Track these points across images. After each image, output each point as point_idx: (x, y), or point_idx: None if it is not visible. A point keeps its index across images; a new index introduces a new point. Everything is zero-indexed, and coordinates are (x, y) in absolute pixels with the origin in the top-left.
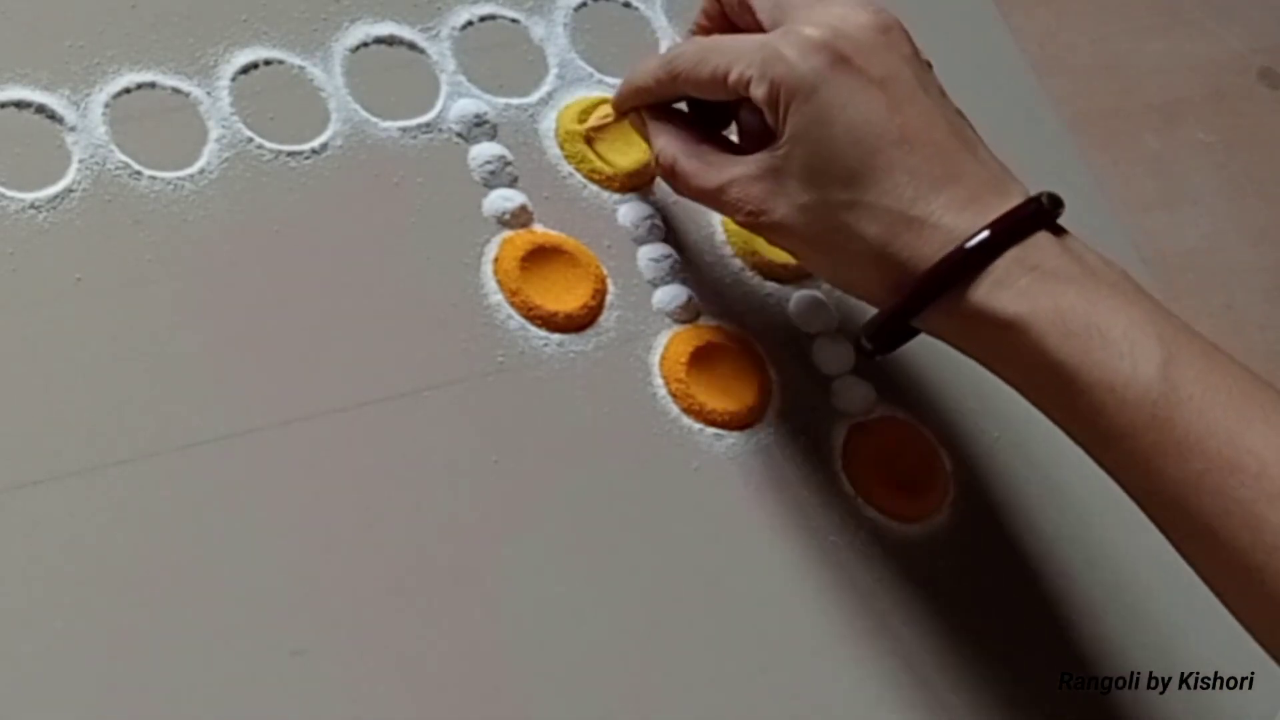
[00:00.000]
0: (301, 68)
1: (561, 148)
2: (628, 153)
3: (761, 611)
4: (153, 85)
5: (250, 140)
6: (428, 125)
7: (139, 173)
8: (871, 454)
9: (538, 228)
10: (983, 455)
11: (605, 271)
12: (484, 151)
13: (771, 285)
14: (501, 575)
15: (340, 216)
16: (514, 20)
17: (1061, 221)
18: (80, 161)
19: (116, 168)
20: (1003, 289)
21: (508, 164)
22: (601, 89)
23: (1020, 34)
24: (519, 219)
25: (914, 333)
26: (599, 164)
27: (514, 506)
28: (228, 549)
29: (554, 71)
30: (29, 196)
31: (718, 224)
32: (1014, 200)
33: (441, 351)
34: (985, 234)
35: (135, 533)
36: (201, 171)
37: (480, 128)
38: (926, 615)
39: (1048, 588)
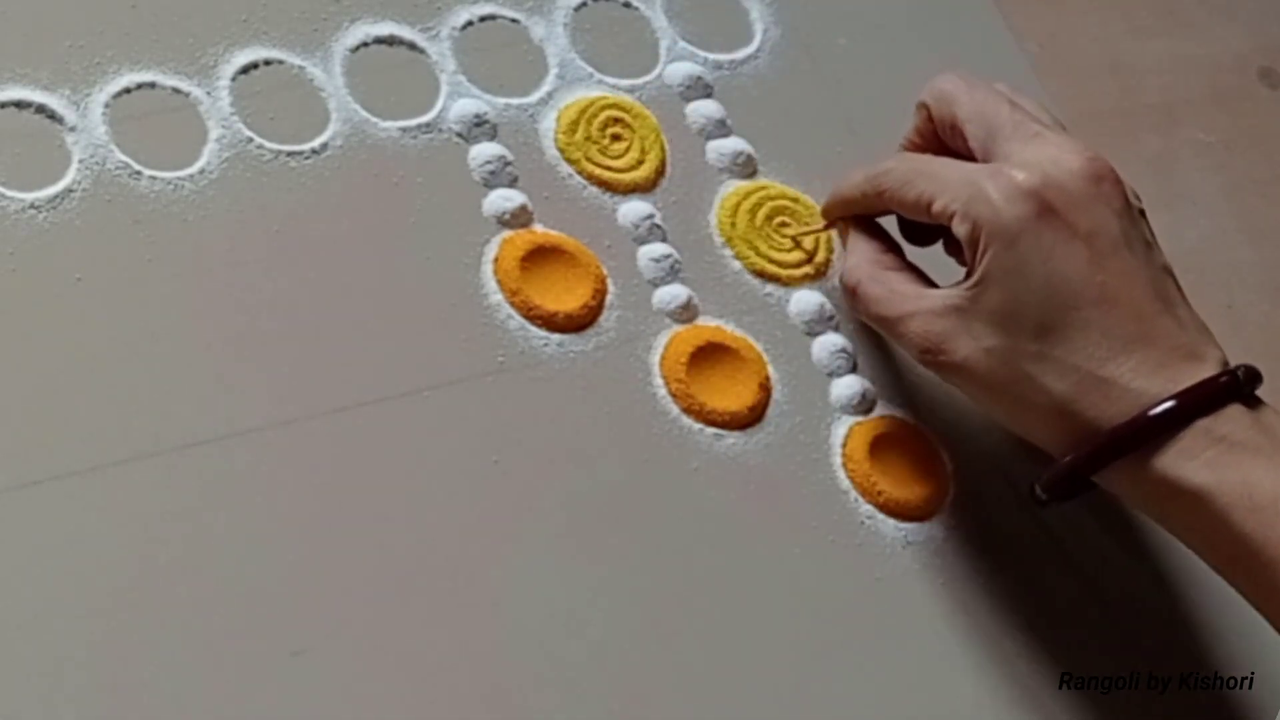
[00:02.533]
0: (301, 68)
1: (561, 149)
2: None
3: (761, 611)
4: (153, 85)
5: (250, 140)
6: (428, 125)
7: (139, 173)
8: (871, 454)
9: (538, 228)
10: (983, 455)
11: (605, 271)
12: (484, 151)
13: (771, 285)
14: (501, 575)
15: (340, 216)
16: (514, 20)
17: None
18: (80, 161)
19: (116, 168)
20: (1188, 459)
21: (508, 164)
22: (601, 89)
23: (1020, 34)
24: (519, 219)
25: (1091, 485)
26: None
27: (514, 506)
28: (228, 549)
29: (554, 71)
30: (29, 196)
31: (717, 224)
32: (1208, 368)
33: (441, 351)
34: (1173, 403)
35: (135, 533)
36: (201, 171)
37: (480, 128)
38: (926, 615)
39: (1047, 587)
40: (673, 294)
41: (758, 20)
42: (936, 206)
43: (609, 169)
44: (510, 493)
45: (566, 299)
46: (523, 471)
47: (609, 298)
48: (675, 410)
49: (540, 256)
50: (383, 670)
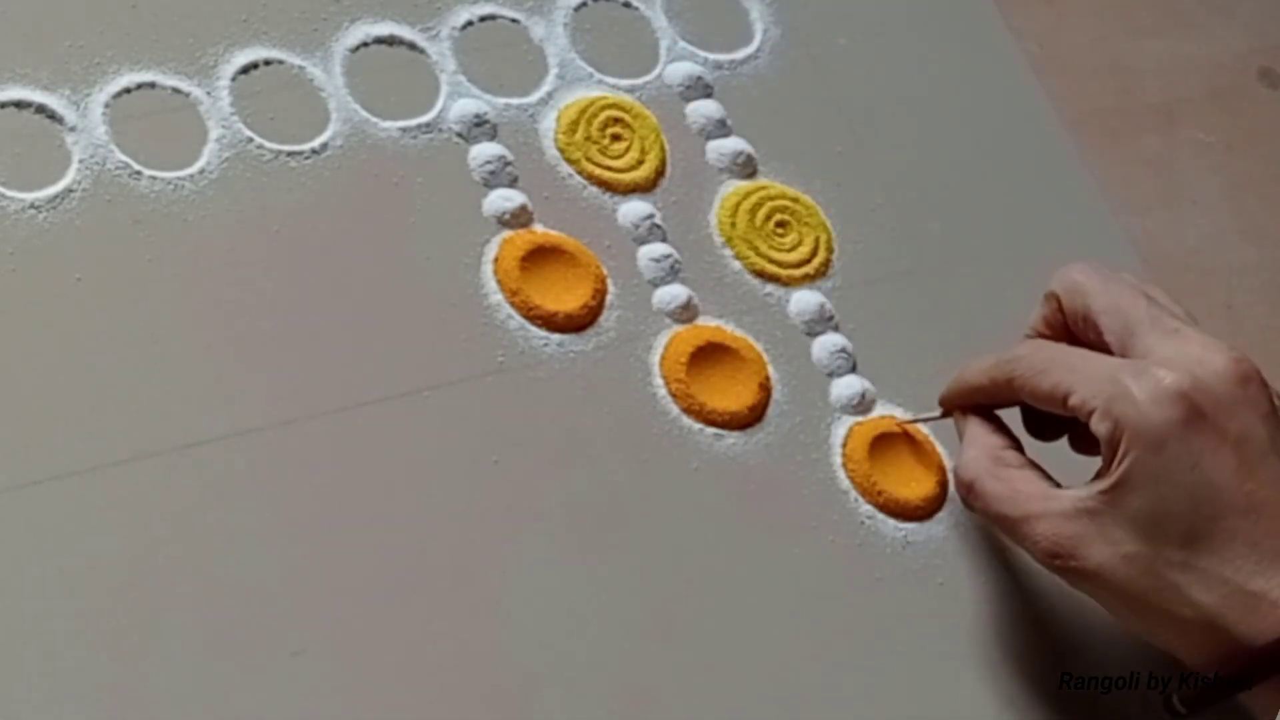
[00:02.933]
0: (301, 68)
1: (561, 149)
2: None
3: (761, 611)
4: (153, 85)
5: (250, 140)
6: (428, 125)
7: (139, 173)
8: (871, 454)
9: (538, 228)
10: None
11: (605, 271)
12: (484, 151)
13: (771, 285)
14: (501, 575)
15: (340, 216)
16: (514, 20)
17: (1061, 220)
18: (80, 161)
19: (116, 168)
20: None
21: (508, 164)
22: (601, 89)
23: (1020, 34)
24: (519, 219)
25: (1230, 697)
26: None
27: (514, 506)
28: (228, 549)
29: (554, 71)
30: (29, 196)
31: (717, 224)
32: None
33: (441, 351)
34: None
35: (135, 533)
36: (201, 171)
37: (480, 128)
38: (926, 615)
39: (1047, 587)
40: (673, 294)
41: (758, 20)
42: (1074, 400)
43: (609, 169)
44: (510, 493)
45: (566, 299)
46: (523, 471)
47: (609, 298)
48: (675, 410)
49: (540, 256)
50: (383, 670)
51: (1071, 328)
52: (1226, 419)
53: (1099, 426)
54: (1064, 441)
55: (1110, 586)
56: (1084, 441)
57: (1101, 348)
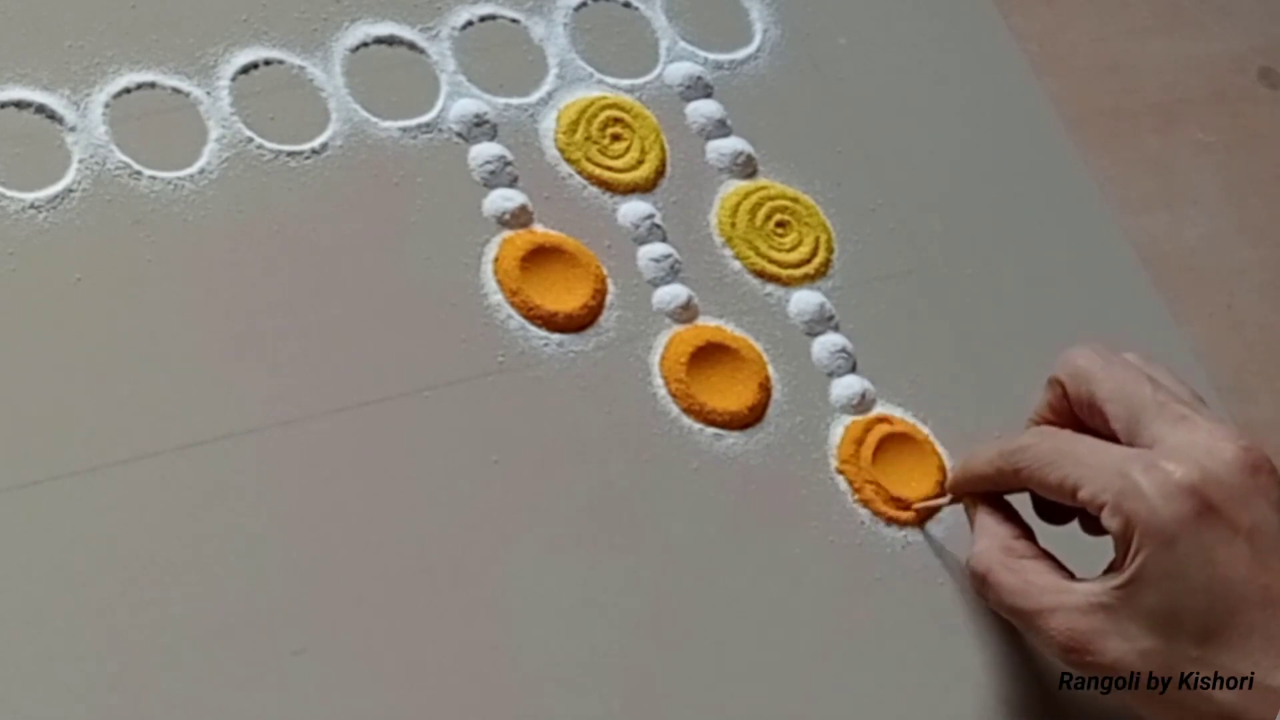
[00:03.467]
0: (301, 68)
1: (561, 149)
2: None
3: (761, 611)
4: (153, 85)
5: (250, 140)
6: (428, 125)
7: (139, 173)
8: (871, 453)
9: (538, 228)
10: None
11: (605, 271)
12: (484, 151)
13: (771, 285)
14: (501, 575)
15: (340, 216)
16: (514, 20)
17: (1061, 220)
18: (80, 161)
19: (116, 168)
20: None
21: (508, 164)
22: (601, 89)
23: (1020, 34)
24: (519, 219)
25: None
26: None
27: (514, 506)
28: (228, 549)
29: (554, 71)
30: (29, 196)
31: (717, 224)
32: None
33: (441, 351)
34: None
35: (135, 533)
36: (201, 171)
37: (480, 128)
38: (926, 615)
39: None
40: (673, 294)
41: (758, 20)
42: (1084, 494)
43: (609, 169)
44: (510, 493)
45: (566, 299)
46: (523, 471)
47: (609, 298)
48: (675, 410)
49: (540, 256)
50: (383, 670)
51: (1078, 414)
52: (1238, 511)
53: (1110, 522)
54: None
55: (1128, 682)
56: (1094, 525)
57: (1109, 434)
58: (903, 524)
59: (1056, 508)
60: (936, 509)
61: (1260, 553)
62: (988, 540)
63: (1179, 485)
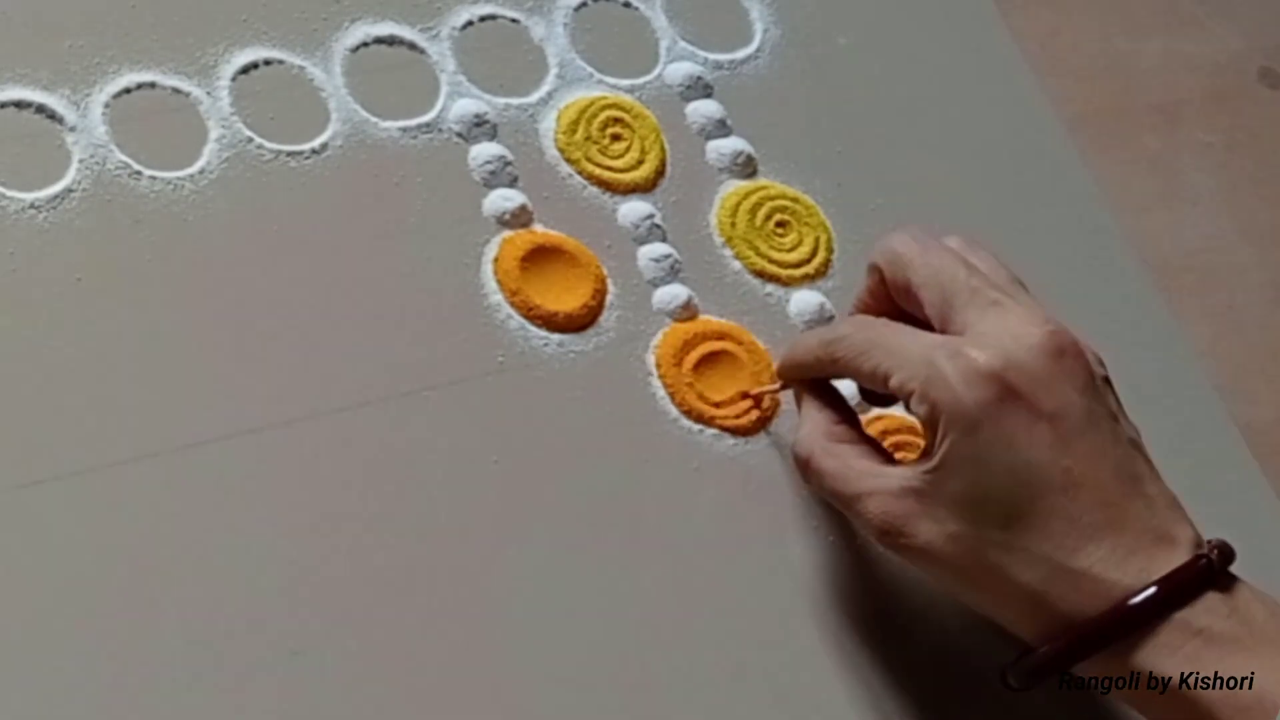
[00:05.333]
0: (301, 68)
1: (561, 149)
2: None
3: (761, 612)
4: (153, 85)
5: (250, 140)
6: (428, 125)
7: (139, 173)
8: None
9: (538, 228)
10: None
11: (605, 271)
12: (484, 151)
13: (771, 285)
14: (501, 575)
15: (340, 216)
16: (514, 20)
17: (1061, 220)
18: (80, 161)
19: (116, 168)
20: (1167, 653)
21: (508, 164)
22: (601, 89)
23: (1020, 34)
24: (519, 219)
25: (1061, 671)
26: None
27: (514, 506)
28: (228, 549)
29: (554, 71)
30: (29, 196)
31: (717, 224)
32: (1181, 553)
33: (441, 351)
34: (1149, 594)
35: (135, 533)
36: (201, 171)
37: (480, 128)
38: (926, 615)
39: None
40: (673, 294)
41: (758, 20)
42: (894, 382)
43: (609, 169)
44: (510, 493)
45: (566, 299)
46: (523, 471)
47: (609, 298)
48: (675, 410)
49: (540, 256)
50: (383, 670)
51: (895, 299)
52: (1041, 395)
53: (917, 409)
54: None
55: (938, 564)
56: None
57: (925, 319)
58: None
59: (880, 393)
60: (769, 393)
61: (1063, 436)
62: (810, 426)
63: (981, 371)
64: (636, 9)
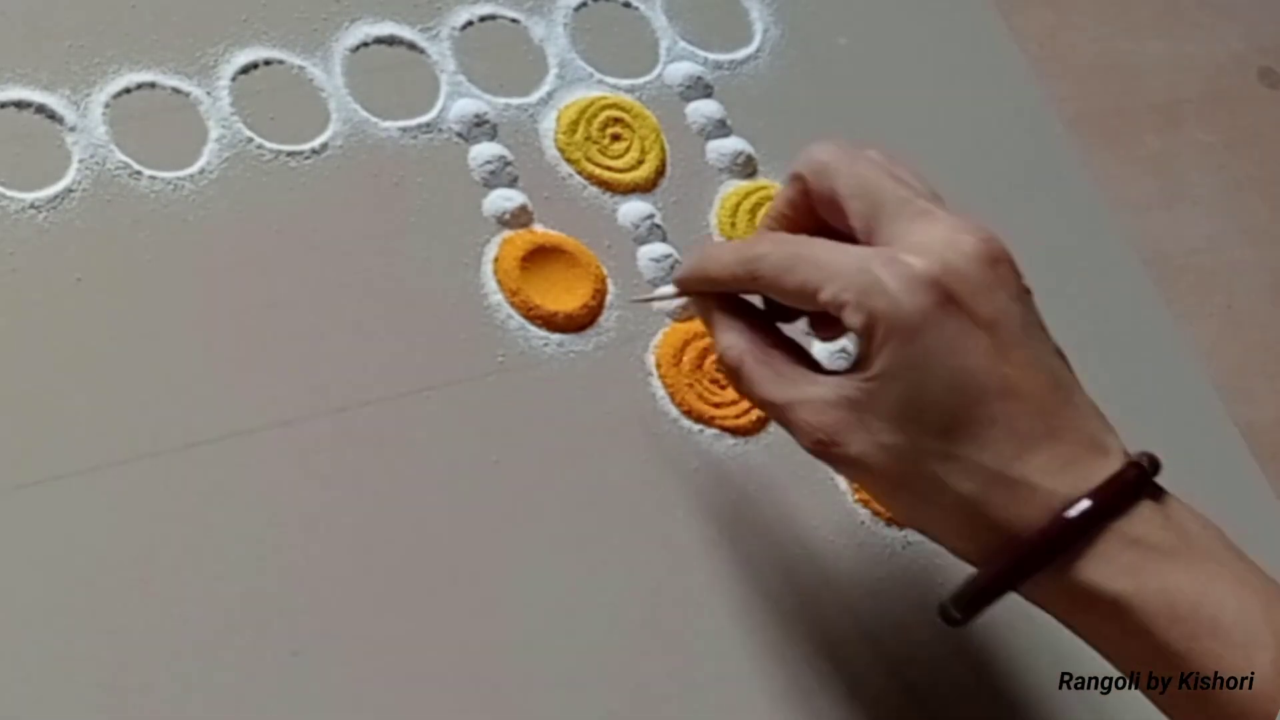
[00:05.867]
0: (301, 68)
1: (561, 149)
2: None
3: (761, 612)
4: (153, 85)
5: (250, 140)
6: (428, 125)
7: (139, 173)
8: None
9: (538, 228)
10: None
11: (605, 271)
12: (484, 151)
13: None
14: (501, 575)
15: (340, 216)
16: (514, 20)
17: (1061, 220)
18: (80, 161)
19: (116, 168)
20: (1105, 564)
21: (508, 164)
22: (601, 89)
23: (1020, 34)
24: (519, 219)
25: (1003, 594)
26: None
27: (514, 506)
28: (228, 549)
29: (554, 71)
30: (29, 196)
31: (717, 224)
32: (1113, 461)
33: (441, 351)
34: (1088, 504)
35: (135, 533)
36: (201, 171)
37: (480, 128)
38: (926, 615)
39: None
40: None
41: (758, 20)
42: (824, 295)
43: (609, 169)
44: (510, 493)
45: (566, 299)
46: (523, 471)
47: (609, 298)
48: (675, 410)
49: (540, 256)
50: (383, 670)
51: (818, 210)
52: (979, 302)
53: (852, 320)
54: None
55: (872, 475)
56: (827, 328)
57: (848, 232)
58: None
59: (783, 308)
60: (660, 300)
61: (1001, 344)
62: (735, 333)
63: (920, 278)
64: (636, 9)
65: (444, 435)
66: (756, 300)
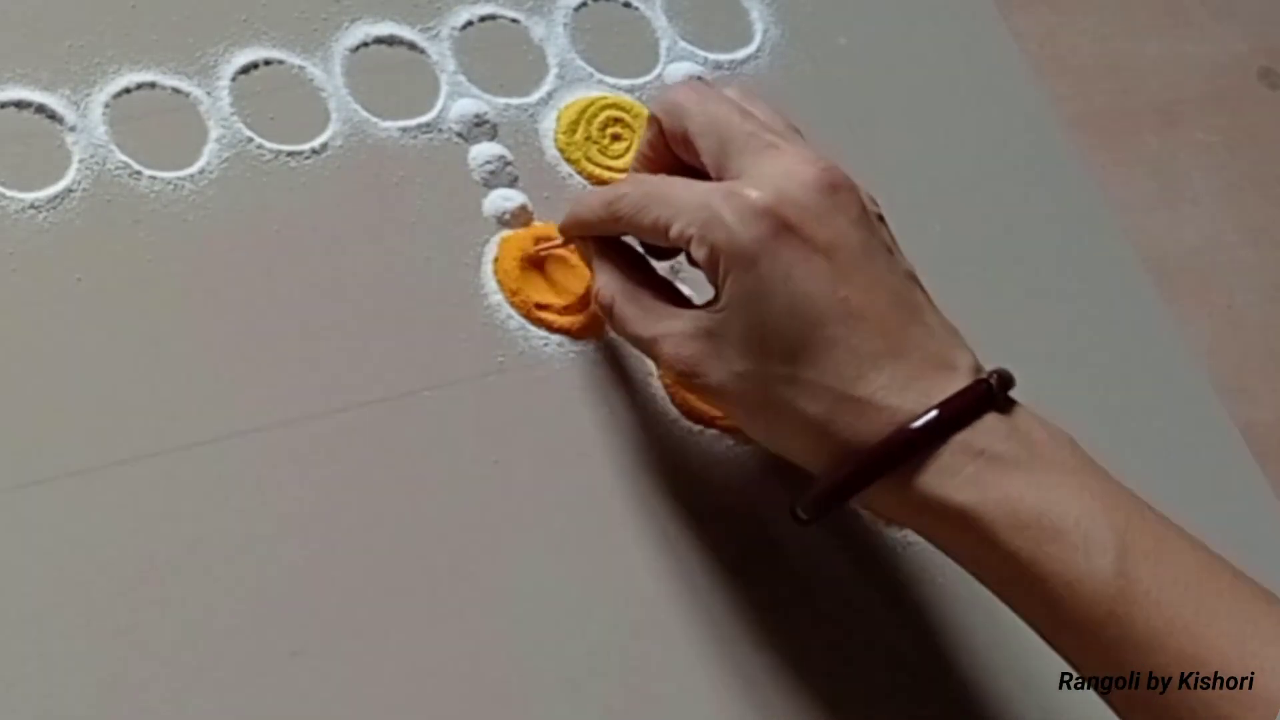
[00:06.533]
0: (301, 68)
1: (561, 149)
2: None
3: (762, 612)
4: (153, 85)
5: (250, 140)
6: (428, 125)
7: (139, 173)
8: None
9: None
10: None
11: None
12: (484, 151)
13: None
14: (501, 575)
15: (340, 216)
16: (514, 20)
17: (1061, 220)
18: (80, 161)
19: (116, 168)
20: (949, 476)
21: (508, 164)
22: (601, 89)
23: (1020, 34)
24: (519, 219)
25: (847, 498)
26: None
27: (514, 506)
28: (228, 549)
29: (554, 71)
30: (29, 196)
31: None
32: (960, 378)
33: (441, 351)
34: (928, 418)
35: (135, 533)
36: (201, 171)
37: (480, 128)
38: (926, 615)
39: None
40: None
41: (758, 20)
42: (674, 231)
43: (609, 169)
44: (510, 493)
45: (566, 299)
46: (523, 471)
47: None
48: (675, 410)
49: (540, 256)
50: (383, 670)
51: (674, 150)
52: (816, 228)
53: (697, 253)
54: None
55: (730, 402)
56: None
57: (703, 169)
58: None
59: (660, 248)
60: (552, 249)
61: (839, 268)
62: (609, 273)
63: (755, 208)
64: (636, 9)
65: (444, 435)
66: (637, 244)
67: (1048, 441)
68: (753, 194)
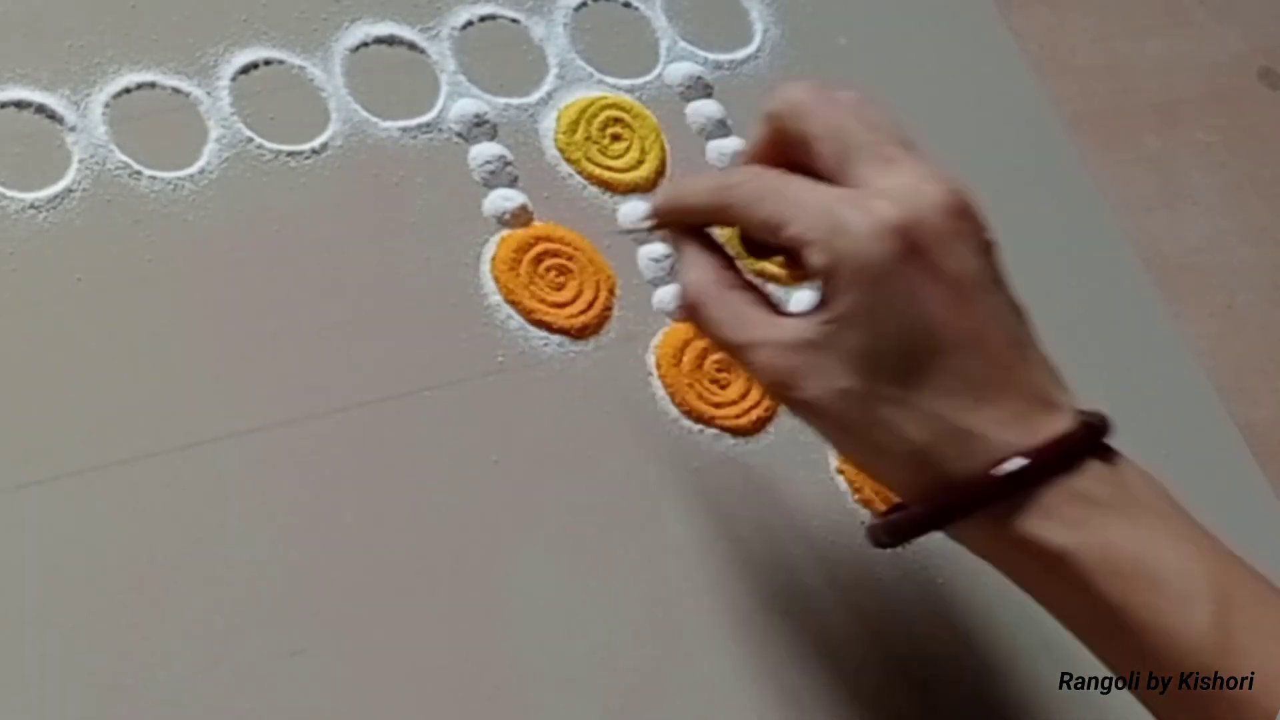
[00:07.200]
0: (301, 68)
1: (561, 149)
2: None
3: (760, 612)
4: (153, 85)
5: (250, 140)
6: (428, 125)
7: (139, 173)
8: None
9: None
10: None
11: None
12: (484, 151)
13: (772, 287)
14: (501, 575)
15: (340, 216)
16: (514, 20)
17: (1061, 220)
18: (80, 161)
19: (116, 168)
20: (1048, 518)
21: (508, 164)
22: (601, 89)
23: (1020, 34)
24: (519, 219)
25: (934, 529)
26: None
27: (514, 506)
28: (228, 549)
29: (554, 71)
30: (29, 196)
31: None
32: (1064, 418)
33: (441, 351)
34: (1029, 460)
35: (135, 533)
36: (201, 171)
37: (480, 128)
38: (926, 615)
39: None
40: (673, 294)
41: (758, 20)
42: (790, 231)
43: (609, 169)
44: (510, 493)
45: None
46: (523, 471)
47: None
48: (675, 410)
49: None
50: (383, 670)
51: (790, 151)
52: (943, 253)
53: (815, 259)
54: None
55: (826, 418)
56: (798, 265)
57: (817, 172)
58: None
59: (762, 244)
60: (638, 230)
61: (961, 296)
62: (699, 271)
63: (887, 225)
64: (636, 9)
65: (444, 435)
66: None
67: (1144, 488)
68: (884, 209)
